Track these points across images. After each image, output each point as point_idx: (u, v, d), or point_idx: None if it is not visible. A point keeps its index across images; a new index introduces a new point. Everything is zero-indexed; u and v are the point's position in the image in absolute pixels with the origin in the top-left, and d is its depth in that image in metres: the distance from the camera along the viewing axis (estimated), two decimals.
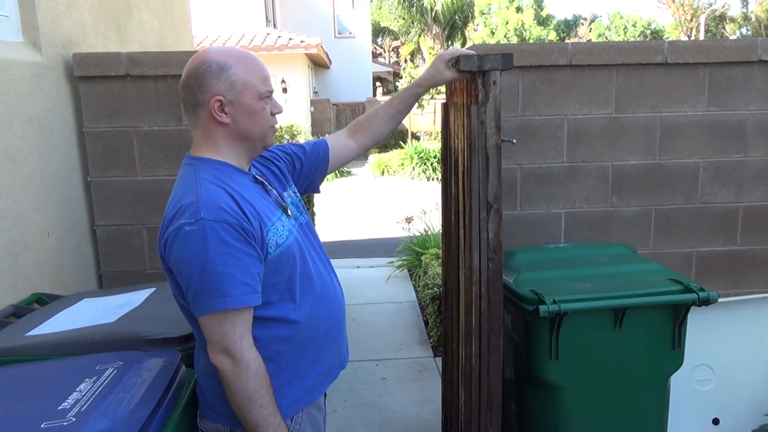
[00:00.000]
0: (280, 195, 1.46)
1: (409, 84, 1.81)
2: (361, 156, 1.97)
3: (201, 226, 1.21)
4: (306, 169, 1.65)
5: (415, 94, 1.76)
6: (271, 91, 1.39)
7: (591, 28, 43.63)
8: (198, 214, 1.22)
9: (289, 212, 1.44)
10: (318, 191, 1.76)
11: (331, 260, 1.57)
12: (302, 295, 1.37)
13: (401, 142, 15.37)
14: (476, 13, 30.25)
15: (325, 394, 1.55)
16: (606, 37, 41.30)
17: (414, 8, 24.95)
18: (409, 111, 1.79)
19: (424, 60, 27.55)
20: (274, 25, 18.86)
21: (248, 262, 1.25)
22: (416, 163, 13.08)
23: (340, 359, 1.52)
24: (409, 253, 5.62)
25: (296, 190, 1.59)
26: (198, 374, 1.41)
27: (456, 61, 1.68)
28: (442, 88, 2.29)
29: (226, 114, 1.32)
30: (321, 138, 1.74)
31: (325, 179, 1.83)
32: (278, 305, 1.33)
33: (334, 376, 1.51)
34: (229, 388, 1.26)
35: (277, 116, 1.43)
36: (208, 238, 1.21)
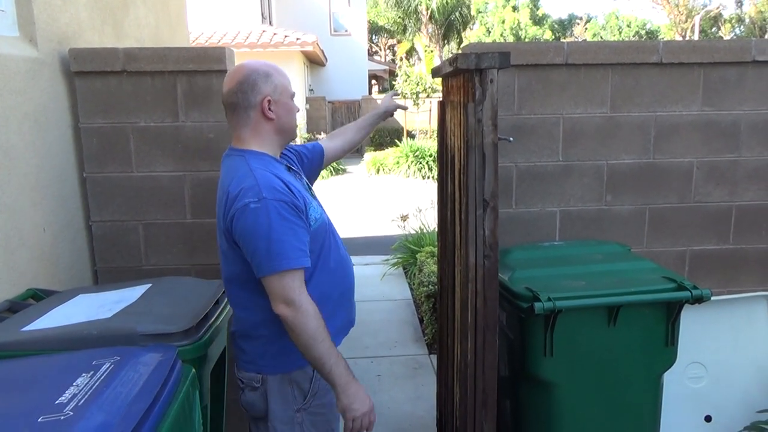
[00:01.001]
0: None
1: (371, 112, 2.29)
2: (354, 154, 2.45)
3: (264, 204, 1.50)
4: (309, 164, 2.00)
5: (376, 114, 2.25)
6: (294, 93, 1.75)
7: (586, 28, 43.73)
8: (260, 194, 1.51)
9: (314, 194, 1.78)
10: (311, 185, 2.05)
11: None
12: (325, 262, 1.68)
13: (396, 141, 15.36)
14: (473, 12, 30.24)
15: None
16: (601, 37, 41.40)
17: (408, 8, 24.92)
18: (372, 128, 2.26)
19: (420, 58, 27.52)
20: (270, 23, 18.81)
21: (300, 232, 1.55)
22: (411, 162, 13.09)
23: (350, 318, 1.84)
24: (404, 251, 5.63)
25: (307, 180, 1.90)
26: (237, 335, 1.72)
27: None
28: (438, 87, 2.31)
29: (271, 111, 1.64)
30: (315, 142, 2.10)
31: (320, 177, 2.18)
32: (311, 268, 1.61)
33: (346, 332, 1.82)
34: (294, 331, 1.52)
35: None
36: (270, 214, 1.50)
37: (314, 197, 1.77)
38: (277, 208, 1.50)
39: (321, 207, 1.75)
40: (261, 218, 1.49)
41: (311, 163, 2.01)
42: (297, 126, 1.77)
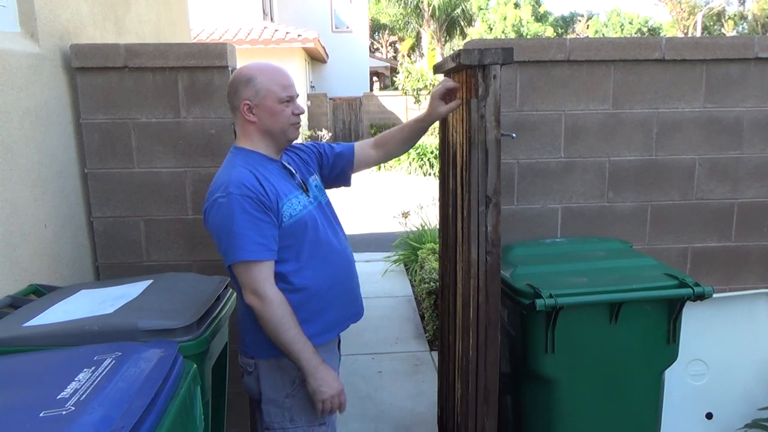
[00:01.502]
0: (304, 178, 1.84)
1: (415, 118, 2.06)
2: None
3: (230, 198, 1.60)
4: (332, 164, 2.01)
5: (421, 128, 2.05)
6: (292, 96, 1.73)
7: (588, 25, 43.63)
8: (228, 189, 1.61)
9: (308, 192, 1.81)
10: (348, 185, 2.09)
11: None
12: (310, 257, 1.72)
13: None
14: (474, 9, 30.17)
15: (339, 341, 1.96)
16: (603, 34, 41.31)
17: (410, 5, 24.87)
18: (417, 140, 2.10)
19: (422, 55, 27.48)
20: (271, 19, 18.78)
21: (264, 227, 1.62)
22: (413, 159, 13.08)
23: (348, 313, 1.87)
24: (405, 247, 5.63)
25: (319, 177, 1.94)
26: (237, 322, 1.83)
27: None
28: (440, 79, 2.30)
29: (253, 114, 1.71)
30: (350, 143, 2.09)
31: None
32: (291, 263, 1.70)
33: (344, 326, 1.87)
34: (262, 320, 1.63)
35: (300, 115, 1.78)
36: (234, 208, 1.59)
37: (309, 195, 1.79)
38: (241, 203, 1.59)
39: (313, 205, 1.78)
40: (226, 211, 1.60)
41: (332, 166, 2.00)
42: (291, 127, 1.75)
